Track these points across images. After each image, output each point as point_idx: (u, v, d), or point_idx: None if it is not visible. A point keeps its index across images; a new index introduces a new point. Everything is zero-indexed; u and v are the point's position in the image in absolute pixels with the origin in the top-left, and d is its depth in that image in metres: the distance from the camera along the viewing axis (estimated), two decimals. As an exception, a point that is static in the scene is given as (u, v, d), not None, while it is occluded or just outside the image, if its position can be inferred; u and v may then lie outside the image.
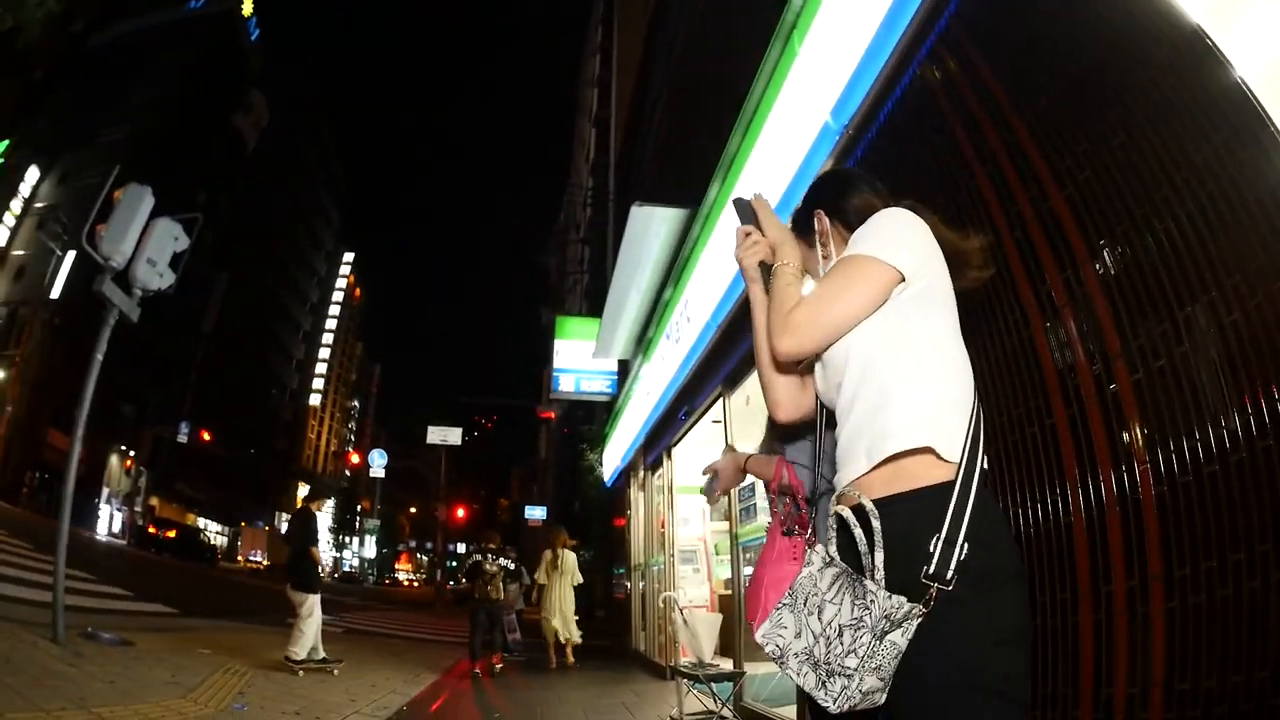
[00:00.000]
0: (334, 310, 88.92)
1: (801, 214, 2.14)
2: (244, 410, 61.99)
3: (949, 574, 1.47)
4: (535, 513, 39.11)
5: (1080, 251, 2.81)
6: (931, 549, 1.49)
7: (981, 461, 1.59)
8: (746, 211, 2.14)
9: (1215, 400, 2.27)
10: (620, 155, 20.26)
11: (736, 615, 7.42)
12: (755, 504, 7.34)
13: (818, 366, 1.93)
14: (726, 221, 6.77)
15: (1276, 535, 2.04)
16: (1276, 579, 2.02)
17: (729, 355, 7.69)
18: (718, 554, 10.56)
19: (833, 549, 1.67)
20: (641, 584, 13.33)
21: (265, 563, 52.52)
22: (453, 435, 30.73)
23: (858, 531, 1.57)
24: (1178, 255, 2.42)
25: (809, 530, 2.03)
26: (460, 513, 56.86)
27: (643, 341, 11.69)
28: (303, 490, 77.32)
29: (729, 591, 9.29)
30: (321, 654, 8.73)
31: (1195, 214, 2.39)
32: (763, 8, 6.39)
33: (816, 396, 1.97)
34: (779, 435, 2.53)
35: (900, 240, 1.78)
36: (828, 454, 1.91)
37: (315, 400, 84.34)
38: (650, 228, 8.77)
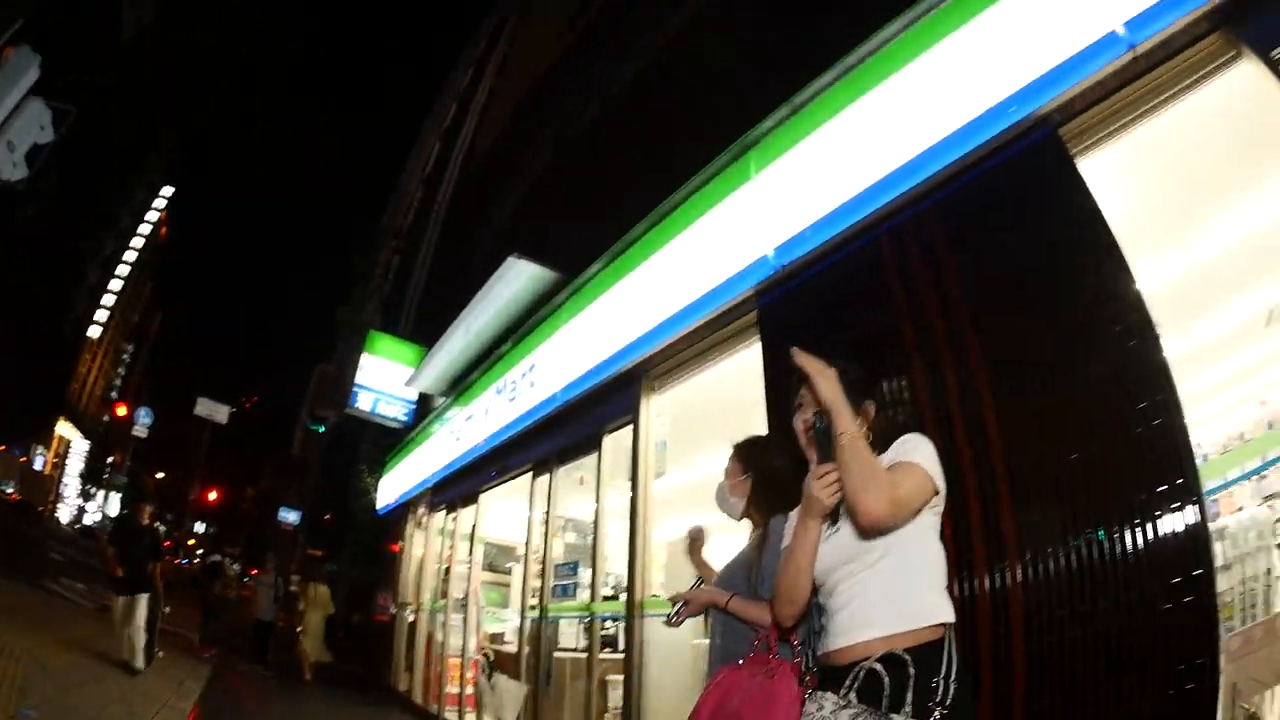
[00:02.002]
0: (137, 242, 79.55)
1: (851, 383, 2.36)
2: (25, 322, 55.41)
3: (949, 701, 2.00)
4: (290, 516, 37.14)
5: (1002, 481, 3.32)
6: (934, 685, 2.03)
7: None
8: (823, 441, 2.28)
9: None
10: (462, 184, 19.69)
11: (537, 685, 7.41)
12: (575, 584, 7.29)
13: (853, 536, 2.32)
14: (607, 302, 6.86)
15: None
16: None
17: (567, 432, 7.70)
18: (486, 605, 10.42)
19: (852, 694, 2.14)
20: (410, 620, 12.88)
21: (15, 495, 46.96)
22: (220, 412, 29.20)
23: (886, 680, 2.06)
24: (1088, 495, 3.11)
25: (804, 674, 2.48)
26: (213, 495, 53.57)
27: (460, 384, 11.38)
28: (63, 427, 69.66)
29: (500, 648, 9.29)
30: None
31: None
32: (720, 112, 6.48)
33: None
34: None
35: (938, 469, 2.27)
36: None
37: (94, 332, 75.57)
38: (506, 276, 8.62)
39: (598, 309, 7.01)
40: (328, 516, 26.72)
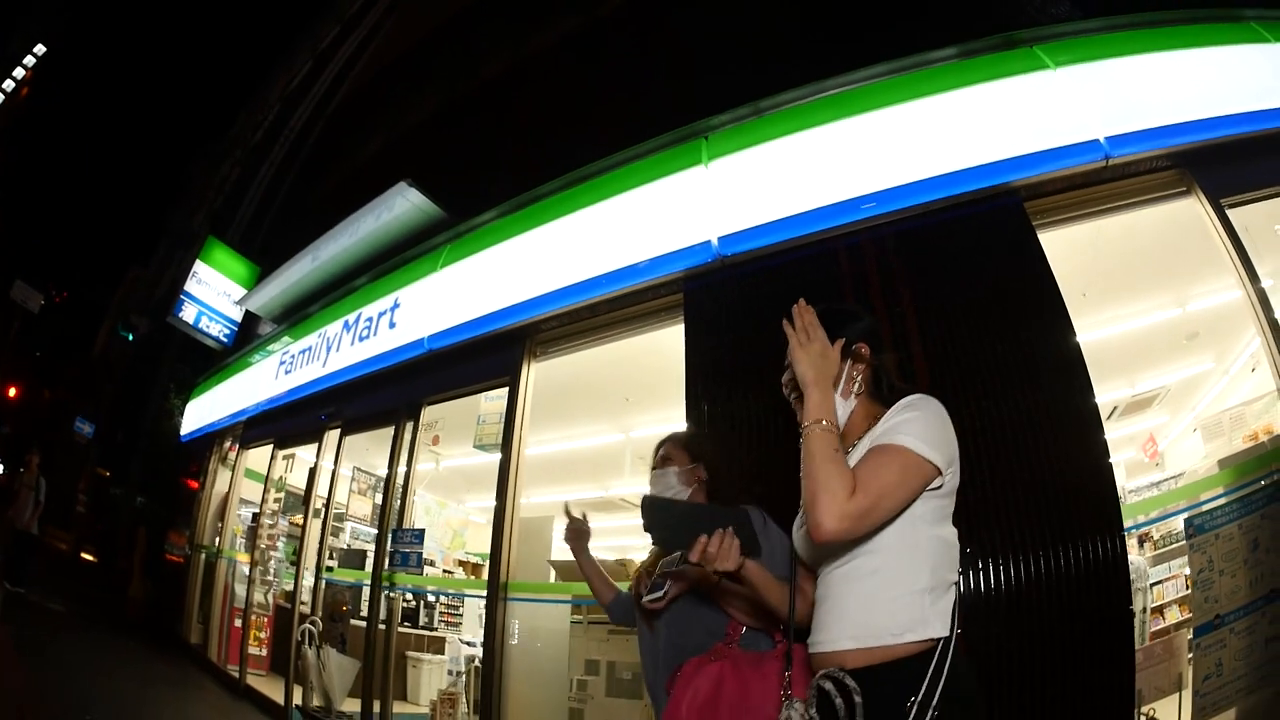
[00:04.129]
0: None
1: (845, 332, 2.13)
2: None
3: None
4: (85, 427, 34.20)
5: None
6: (908, 707, 1.69)
7: (956, 627, 1.80)
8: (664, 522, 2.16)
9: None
10: (328, 112, 18.33)
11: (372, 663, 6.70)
12: (420, 554, 6.67)
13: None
14: (500, 254, 6.36)
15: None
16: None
17: (426, 380, 7.12)
18: (286, 560, 9.58)
19: (813, 710, 1.84)
20: (202, 568, 11.58)
21: None
22: (34, 301, 26.72)
23: (838, 700, 1.75)
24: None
25: (785, 676, 2.12)
26: (12, 391, 48.89)
27: (297, 313, 10.27)
28: None
29: (289, 606, 8.64)
30: None
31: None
32: (661, 89, 6.27)
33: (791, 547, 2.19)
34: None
35: (942, 438, 1.88)
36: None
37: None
38: (391, 202, 7.84)
39: (488, 259, 6.47)
40: (119, 436, 24.58)
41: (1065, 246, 4.30)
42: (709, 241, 4.78)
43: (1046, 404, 3.72)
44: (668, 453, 3.07)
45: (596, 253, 5.43)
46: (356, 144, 13.45)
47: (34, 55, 77.80)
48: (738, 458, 4.18)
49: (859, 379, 2.10)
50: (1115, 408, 6.71)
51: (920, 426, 1.87)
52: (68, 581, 12.89)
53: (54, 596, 11.83)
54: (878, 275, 4.33)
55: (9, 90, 74.41)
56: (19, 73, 75.90)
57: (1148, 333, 5.84)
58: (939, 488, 1.86)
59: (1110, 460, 3.63)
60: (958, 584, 1.88)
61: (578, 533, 3.30)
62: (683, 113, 5.46)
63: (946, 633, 1.78)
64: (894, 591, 1.81)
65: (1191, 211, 4.20)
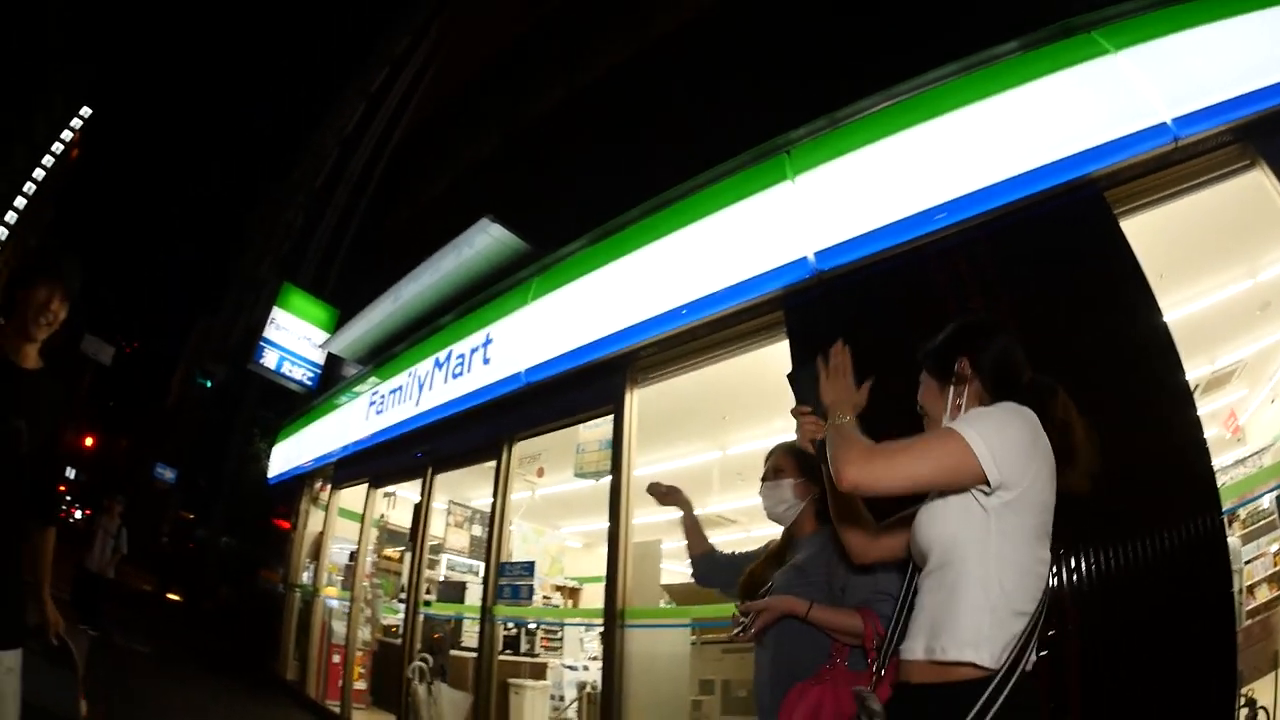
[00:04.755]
0: (47, 160, 72.51)
1: (942, 353, 2.18)
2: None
3: None
4: (166, 474, 35.02)
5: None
6: None
7: (1026, 663, 1.75)
8: (806, 386, 2.26)
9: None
10: (388, 151, 18.60)
11: (480, 691, 6.89)
12: (530, 586, 6.80)
13: (912, 534, 2.03)
14: (592, 283, 6.43)
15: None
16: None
17: (524, 412, 7.24)
18: (384, 595, 9.76)
19: (879, 705, 1.87)
20: (299, 605, 11.84)
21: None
22: (105, 354, 27.43)
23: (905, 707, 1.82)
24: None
25: (872, 681, 2.08)
26: (89, 441, 50.22)
27: (384, 354, 10.45)
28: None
29: (396, 641, 8.74)
30: None
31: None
32: (735, 107, 6.27)
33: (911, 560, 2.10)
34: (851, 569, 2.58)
35: (1008, 444, 1.81)
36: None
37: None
38: (473, 239, 7.90)
39: (580, 289, 6.54)
40: (202, 481, 25.10)
41: (1136, 229, 4.25)
42: (805, 258, 4.77)
43: (1147, 391, 3.73)
44: (779, 463, 3.07)
45: (691, 276, 5.46)
46: (422, 182, 13.59)
47: (80, 117, 79.31)
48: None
49: (964, 399, 2.09)
50: (1197, 385, 6.49)
51: (985, 423, 1.84)
52: (153, 623, 13.02)
53: (138, 637, 11.99)
54: (974, 277, 4.33)
55: (59, 153, 75.92)
56: (66, 135, 77.34)
57: (1222, 307, 5.75)
58: (990, 493, 1.80)
59: (1205, 441, 3.62)
60: (1037, 617, 1.79)
61: (668, 492, 3.44)
62: (757, 130, 5.47)
63: (995, 665, 1.70)
64: (960, 606, 1.77)
65: (1257, 183, 4.16)
